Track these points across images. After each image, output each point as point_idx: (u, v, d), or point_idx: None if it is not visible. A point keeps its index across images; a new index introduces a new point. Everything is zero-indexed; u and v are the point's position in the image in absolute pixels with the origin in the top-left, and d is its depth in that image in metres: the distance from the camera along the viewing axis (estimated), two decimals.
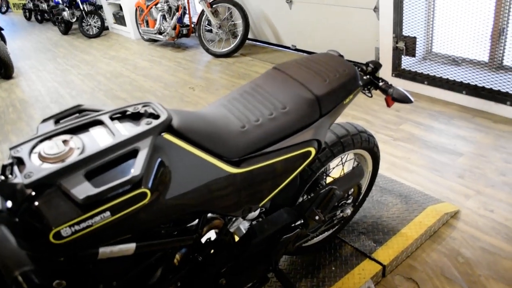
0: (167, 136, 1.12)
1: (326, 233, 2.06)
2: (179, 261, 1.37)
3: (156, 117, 1.14)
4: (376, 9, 4.10)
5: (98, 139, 1.08)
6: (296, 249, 1.93)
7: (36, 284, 0.75)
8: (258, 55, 5.58)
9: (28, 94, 5.23)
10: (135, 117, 1.17)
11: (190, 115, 1.23)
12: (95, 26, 8.15)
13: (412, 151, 2.93)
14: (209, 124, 1.24)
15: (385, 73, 3.98)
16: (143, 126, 1.09)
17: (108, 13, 8.30)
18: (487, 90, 3.26)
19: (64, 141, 1.05)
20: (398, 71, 3.87)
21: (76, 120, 1.13)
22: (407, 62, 3.83)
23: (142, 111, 1.17)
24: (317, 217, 1.57)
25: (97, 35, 8.14)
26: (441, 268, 1.98)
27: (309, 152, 1.39)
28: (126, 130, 1.10)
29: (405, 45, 3.73)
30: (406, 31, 3.69)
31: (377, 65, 1.70)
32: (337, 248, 2.10)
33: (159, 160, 1.07)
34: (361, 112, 3.60)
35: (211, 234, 1.45)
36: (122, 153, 1.03)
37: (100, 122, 1.13)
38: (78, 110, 1.22)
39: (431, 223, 2.17)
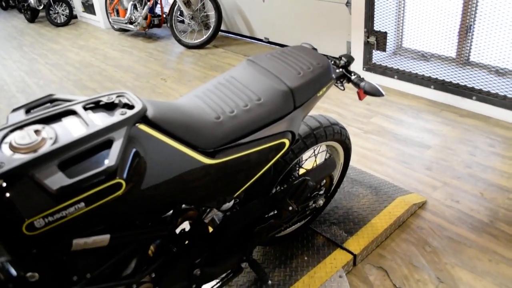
0: (141, 126, 1.12)
1: (299, 224, 2.09)
2: (154, 252, 1.37)
3: (131, 107, 1.13)
4: (348, 4, 4.15)
5: (71, 129, 1.06)
6: (270, 239, 1.96)
7: (12, 276, 0.74)
8: (231, 47, 5.56)
9: None
10: (109, 107, 1.15)
11: (165, 105, 1.22)
12: (63, 14, 7.91)
13: (382, 144, 2.99)
14: (184, 115, 1.24)
15: (357, 67, 4.05)
16: (118, 116, 1.08)
17: (76, 1, 8.07)
18: (454, 85, 3.36)
19: (36, 131, 1.03)
20: (369, 65, 3.93)
21: (48, 109, 1.11)
22: (377, 57, 3.90)
23: (116, 101, 1.16)
24: (290, 208, 1.60)
25: (65, 24, 7.91)
26: (409, 257, 2.05)
27: (283, 144, 1.41)
28: (100, 120, 1.08)
29: (376, 40, 3.79)
30: (377, 26, 3.76)
31: (349, 59, 1.73)
32: (309, 238, 2.14)
33: (133, 150, 1.06)
34: (333, 105, 3.65)
35: (186, 225, 1.45)
36: (96, 143, 1.02)
37: (73, 112, 1.11)
38: (50, 99, 1.19)
39: (400, 214, 2.23)
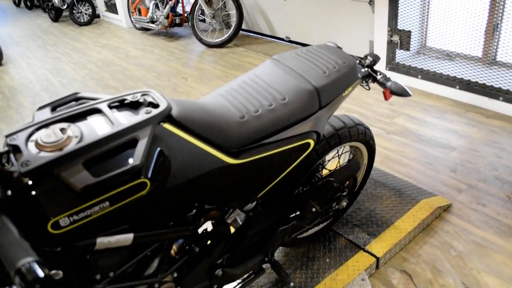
0: (166, 125, 1.11)
1: (321, 225, 2.06)
2: (176, 252, 1.37)
3: (156, 106, 1.12)
4: (371, 2, 4.09)
5: (96, 128, 1.06)
6: (292, 240, 1.94)
7: (40, 277, 0.74)
8: (252, 46, 5.55)
9: (17, 82, 5.14)
10: (134, 106, 1.15)
11: (189, 104, 1.22)
12: (86, 14, 8.03)
13: (406, 145, 2.94)
14: (209, 114, 1.23)
15: (379, 66, 3.99)
16: (143, 115, 1.07)
17: (99, 1, 8.18)
18: (480, 85, 3.27)
19: (62, 129, 1.03)
20: (392, 65, 3.87)
21: (74, 108, 1.11)
22: (401, 56, 3.83)
23: (141, 100, 1.15)
24: (313, 209, 1.57)
25: (88, 23, 8.02)
26: (433, 261, 2.00)
27: (308, 144, 1.39)
28: (125, 119, 1.08)
29: (399, 39, 3.73)
30: (401, 25, 3.69)
31: (375, 58, 1.69)
32: (331, 240, 2.11)
33: (158, 149, 1.06)
34: (355, 105, 3.60)
35: (208, 225, 1.44)
36: (121, 142, 1.02)
37: (98, 111, 1.12)
38: (75, 98, 1.20)
39: (424, 216, 2.19)
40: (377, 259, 1.98)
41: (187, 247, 1.39)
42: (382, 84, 1.65)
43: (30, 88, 4.90)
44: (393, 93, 1.60)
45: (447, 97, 3.54)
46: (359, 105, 3.60)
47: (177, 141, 1.12)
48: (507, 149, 2.76)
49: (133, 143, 1.03)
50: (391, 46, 3.81)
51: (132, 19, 6.91)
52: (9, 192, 0.92)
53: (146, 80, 4.76)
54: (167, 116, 1.12)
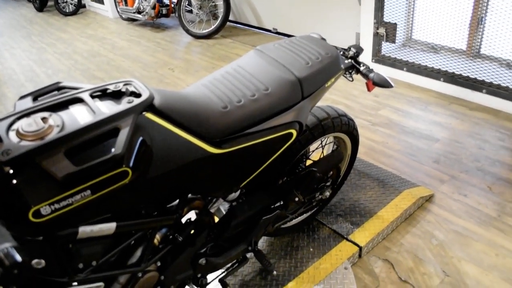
0: (148, 115, 1.11)
1: (305, 215, 2.09)
2: (160, 241, 1.37)
3: (138, 95, 1.13)
4: None
5: (78, 117, 1.06)
6: (275, 230, 1.96)
7: (17, 261, 0.74)
8: (239, 37, 5.53)
9: (1, 72, 5.07)
10: (116, 95, 1.15)
11: (172, 94, 1.22)
12: (71, 4, 7.91)
13: (390, 136, 2.97)
14: (191, 104, 1.23)
15: (365, 58, 4.01)
16: (125, 104, 1.07)
17: None
18: (463, 77, 3.32)
19: (43, 119, 1.03)
20: (378, 57, 3.90)
21: (55, 97, 1.11)
22: (387, 48, 3.86)
23: (123, 89, 1.15)
24: (296, 199, 1.59)
25: (73, 13, 7.92)
26: (415, 250, 2.04)
27: (291, 134, 1.40)
28: (107, 108, 1.08)
29: (385, 31, 3.75)
30: (387, 17, 3.71)
31: (359, 50, 1.71)
32: (315, 230, 2.14)
33: (140, 139, 1.06)
34: (340, 96, 3.63)
35: (191, 215, 1.45)
36: (103, 131, 1.02)
37: (80, 100, 1.11)
38: (57, 87, 1.19)
39: (406, 206, 2.22)
40: (360, 248, 2.01)
41: (170, 237, 1.40)
42: (365, 76, 1.67)
43: (15, 78, 4.83)
44: (376, 84, 1.61)
45: (432, 89, 3.58)
46: (345, 96, 3.63)
47: (159, 130, 1.12)
48: (489, 140, 2.81)
49: (115, 132, 1.03)
50: (377, 39, 3.84)
51: (119, 9, 6.83)
52: None
53: (132, 71, 4.73)
54: (149, 106, 1.12)
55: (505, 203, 2.26)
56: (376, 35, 3.83)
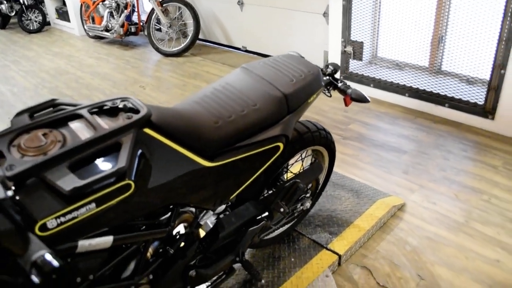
0: (147, 130, 1.16)
1: (285, 226, 2.15)
2: (152, 255, 1.40)
3: (136, 112, 1.17)
4: (325, 14, 4.28)
5: (78, 133, 1.09)
6: (258, 241, 2.01)
7: (55, 267, 0.77)
8: (209, 55, 5.61)
9: None
10: (113, 112, 1.19)
11: (167, 110, 1.27)
12: (35, 21, 7.79)
13: (361, 149, 3.10)
14: (186, 120, 1.29)
15: None
16: (125, 120, 1.12)
17: (50, 8, 7.96)
18: (427, 92, 3.51)
19: (44, 134, 1.06)
20: (346, 74, 4.06)
21: (54, 114, 1.14)
22: (354, 66, 4.03)
23: (120, 105, 1.20)
24: (282, 209, 1.66)
25: (38, 30, 7.78)
26: (390, 256, 2.14)
27: (278, 147, 1.47)
28: (105, 124, 1.12)
29: (353, 49, 3.92)
30: (354, 36, 3.89)
31: (336, 67, 1.81)
32: (295, 240, 2.20)
33: (140, 152, 1.10)
34: (313, 112, 3.75)
35: (181, 228, 1.49)
36: (105, 145, 1.06)
37: (79, 116, 1.15)
38: (52, 104, 1.22)
39: (381, 215, 2.33)
40: (339, 256, 2.09)
41: (161, 250, 1.43)
42: (342, 91, 1.77)
43: None
44: (354, 99, 1.72)
45: (398, 104, 3.76)
46: (316, 112, 3.75)
47: (157, 144, 1.17)
48: (453, 151, 2.98)
49: (117, 147, 1.07)
50: (345, 56, 4.01)
51: (86, 27, 6.78)
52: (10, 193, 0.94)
53: (102, 88, 4.70)
54: (147, 121, 1.17)
55: (471, 209, 2.41)
56: (344, 53, 4.00)
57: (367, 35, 3.88)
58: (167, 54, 5.69)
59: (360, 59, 3.94)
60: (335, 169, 2.86)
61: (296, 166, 2.20)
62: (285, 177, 2.03)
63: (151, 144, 1.16)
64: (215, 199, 1.40)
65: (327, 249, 2.13)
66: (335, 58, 4.07)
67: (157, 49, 5.74)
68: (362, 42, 3.85)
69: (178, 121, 1.25)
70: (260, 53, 5.33)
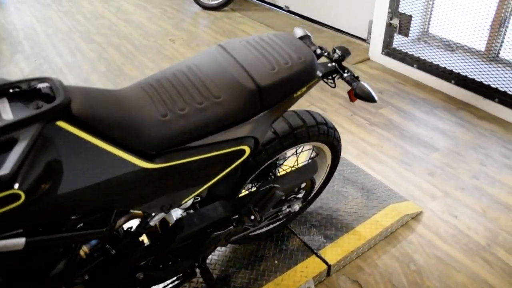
0: (61, 123, 0.93)
1: (275, 224, 1.92)
2: (87, 254, 1.23)
3: (52, 98, 0.94)
4: None
5: None
6: (242, 237, 1.80)
7: None
8: (249, 12, 5.25)
9: (2, 27, 4.90)
10: (29, 95, 0.97)
11: (98, 97, 1.03)
12: None
13: (387, 139, 2.76)
14: (122, 110, 1.05)
15: (375, 50, 3.75)
16: (31, 110, 0.90)
17: None
18: (477, 82, 3.05)
19: None
20: (388, 49, 3.63)
21: None
22: (398, 41, 3.59)
23: (40, 87, 0.97)
24: (252, 217, 1.42)
25: None
26: (390, 274, 1.87)
27: (243, 151, 1.21)
28: (10, 112, 0.90)
29: (399, 23, 3.47)
30: (402, 8, 3.43)
31: (345, 53, 1.49)
32: (284, 239, 1.97)
33: (44, 153, 0.89)
34: (341, 89, 3.39)
35: (129, 224, 1.30)
36: None
37: None
38: None
39: (388, 224, 2.04)
40: (329, 266, 1.84)
41: (101, 248, 1.25)
42: (348, 83, 1.45)
43: (14, 35, 4.67)
44: (357, 95, 1.39)
45: (441, 90, 3.32)
46: (345, 90, 3.39)
47: (74, 142, 0.94)
48: (493, 156, 2.58)
49: (12, 144, 0.85)
50: (390, 30, 3.56)
51: None
52: None
53: (132, 38, 4.52)
54: (64, 112, 0.94)
55: (498, 231, 2.07)
56: (389, 25, 3.55)
57: (419, 8, 3.39)
58: (205, 7, 5.39)
59: (406, 35, 3.48)
60: (351, 159, 2.56)
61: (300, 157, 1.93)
62: (278, 172, 1.78)
63: (66, 141, 0.93)
64: (161, 204, 1.18)
65: (316, 255, 1.89)
66: (379, 30, 3.63)
67: (196, 1, 5.44)
68: (410, 16, 3.38)
69: (109, 112, 1.01)
70: (302, 15, 4.91)
